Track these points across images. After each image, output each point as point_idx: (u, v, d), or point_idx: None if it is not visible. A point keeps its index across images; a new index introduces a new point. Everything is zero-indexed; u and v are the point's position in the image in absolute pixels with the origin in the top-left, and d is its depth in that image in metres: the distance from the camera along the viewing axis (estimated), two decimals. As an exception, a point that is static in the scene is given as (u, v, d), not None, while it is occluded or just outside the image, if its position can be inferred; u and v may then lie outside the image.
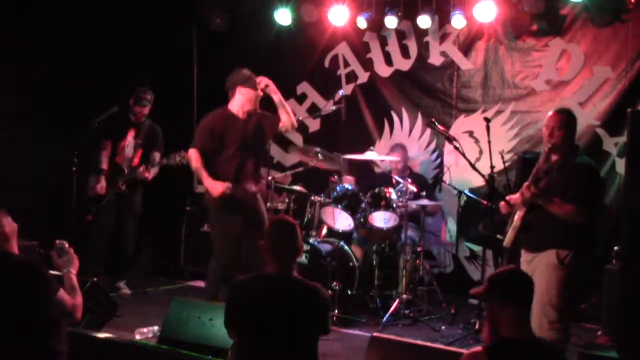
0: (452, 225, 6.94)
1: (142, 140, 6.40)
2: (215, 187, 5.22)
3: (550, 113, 4.45)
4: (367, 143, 6.89)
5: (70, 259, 3.46)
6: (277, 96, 5.45)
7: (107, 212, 6.31)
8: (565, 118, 4.37)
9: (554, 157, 4.33)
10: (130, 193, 6.36)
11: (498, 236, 4.91)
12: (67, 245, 3.48)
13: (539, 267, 4.26)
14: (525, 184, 4.31)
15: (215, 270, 5.40)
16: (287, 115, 5.45)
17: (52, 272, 3.38)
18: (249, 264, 4.94)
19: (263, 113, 5.52)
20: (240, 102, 5.38)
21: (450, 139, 5.47)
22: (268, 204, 6.24)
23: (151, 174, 6.23)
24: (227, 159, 5.31)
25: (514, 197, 4.56)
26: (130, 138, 6.37)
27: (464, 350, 3.84)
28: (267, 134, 5.52)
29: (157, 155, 6.36)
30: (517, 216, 4.34)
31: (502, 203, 4.58)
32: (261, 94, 5.42)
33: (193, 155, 5.34)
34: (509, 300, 2.77)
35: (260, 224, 5.29)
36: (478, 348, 2.80)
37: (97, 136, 6.28)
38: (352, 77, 7.56)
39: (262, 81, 5.40)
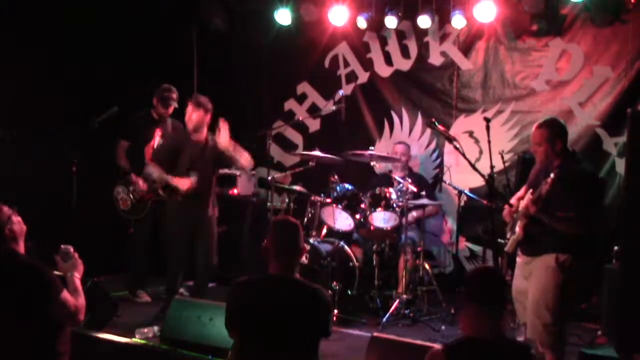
0: (452, 225, 6.93)
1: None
2: (184, 182, 5.46)
3: (533, 128, 4.35)
4: (367, 143, 6.89)
5: (75, 264, 3.48)
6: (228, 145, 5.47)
7: (145, 220, 6.26)
8: (546, 132, 4.25)
9: (551, 166, 4.27)
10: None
11: (499, 240, 4.90)
12: (72, 249, 3.50)
13: (537, 269, 4.23)
14: (530, 198, 4.24)
15: (173, 265, 5.69)
16: (245, 160, 5.54)
17: (55, 272, 3.39)
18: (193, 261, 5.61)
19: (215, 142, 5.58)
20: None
21: (450, 139, 5.47)
22: (268, 204, 6.25)
23: None
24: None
25: (516, 198, 4.53)
26: (158, 138, 6.32)
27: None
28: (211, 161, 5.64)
29: None
30: (519, 227, 4.31)
31: (505, 211, 4.54)
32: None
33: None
34: (472, 300, 2.76)
35: (205, 227, 5.63)
36: (439, 347, 2.79)
37: (115, 136, 6.26)
38: (352, 77, 7.56)
39: (221, 125, 5.43)
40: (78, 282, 3.41)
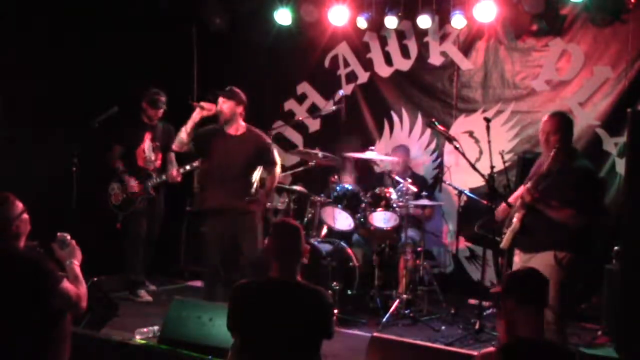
0: (452, 225, 6.93)
1: (159, 142, 6.41)
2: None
3: (545, 117, 4.42)
4: (367, 143, 6.89)
5: (73, 250, 3.44)
6: None
7: (139, 217, 6.32)
8: (560, 121, 4.32)
9: (552, 161, 4.29)
10: (156, 196, 6.41)
11: (497, 238, 4.91)
12: (68, 237, 3.47)
13: (536, 267, 4.23)
14: (527, 186, 4.28)
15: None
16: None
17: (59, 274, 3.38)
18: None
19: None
20: None
21: (450, 139, 5.47)
22: (268, 204, 6.24)
23: (181, 176, 6.30)
24: None
25: (514, 197, 4.54)
26: (148, 141, 6.37)
27: (464, 350, 3.85)
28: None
29: (173, 156, 6.46)
30: (516, 218, 4.32)
31: (500, 207, 4.54)
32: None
33: None
34: (524, 301, 2.76)
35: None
36: (491, 348, 2.80)
37: (109, 140, 6.31)
38: (352, 77, 7.56)
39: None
40: (77, 270, 3.37)
